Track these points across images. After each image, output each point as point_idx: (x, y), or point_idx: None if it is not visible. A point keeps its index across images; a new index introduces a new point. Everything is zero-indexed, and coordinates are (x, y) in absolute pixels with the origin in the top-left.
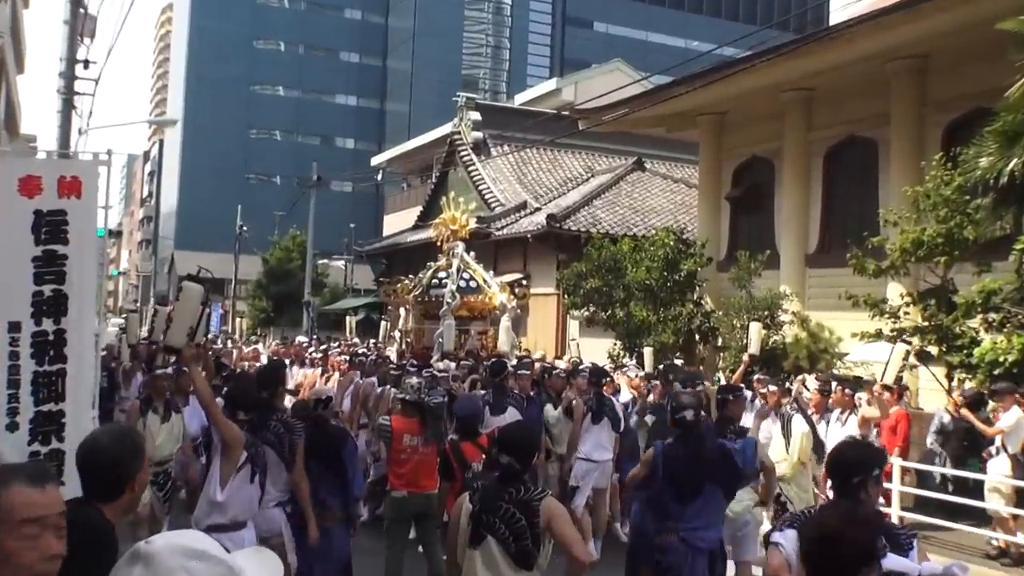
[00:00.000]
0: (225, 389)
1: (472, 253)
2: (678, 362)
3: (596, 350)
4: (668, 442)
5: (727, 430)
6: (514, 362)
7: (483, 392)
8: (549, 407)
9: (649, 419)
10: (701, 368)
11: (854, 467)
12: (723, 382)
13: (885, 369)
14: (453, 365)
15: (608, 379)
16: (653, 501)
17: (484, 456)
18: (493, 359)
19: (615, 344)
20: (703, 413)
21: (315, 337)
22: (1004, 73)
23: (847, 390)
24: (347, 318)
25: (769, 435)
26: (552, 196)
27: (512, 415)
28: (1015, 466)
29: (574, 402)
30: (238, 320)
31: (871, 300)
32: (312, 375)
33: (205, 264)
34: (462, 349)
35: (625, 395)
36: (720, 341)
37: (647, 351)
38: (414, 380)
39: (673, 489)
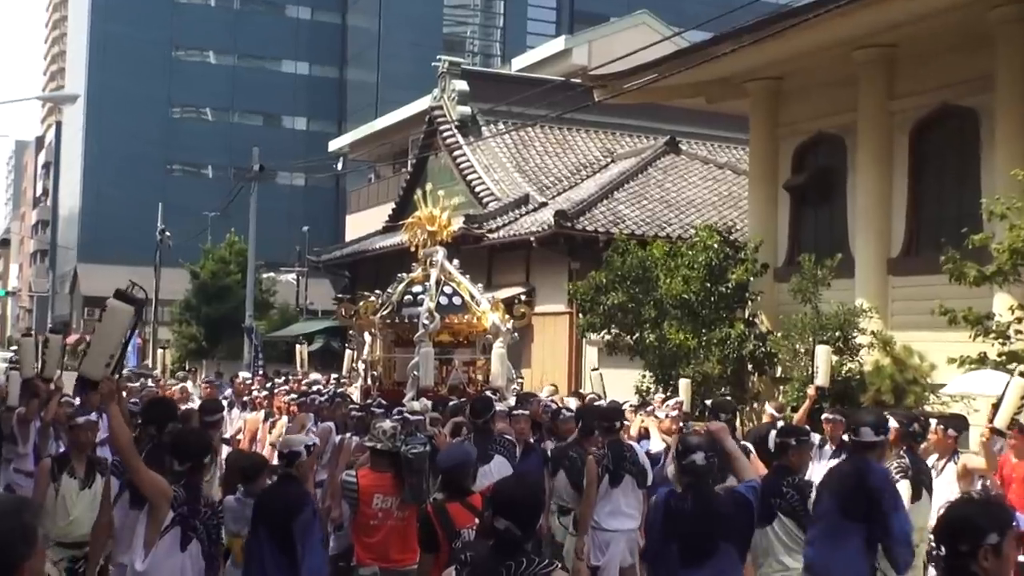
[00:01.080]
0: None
1: (456, 262)
2: (718, 396)
3: (620, 384)
4: (672, 491)
5: (783, 482)
6: (511, 400)
7: (461, 439)
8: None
9: None
10: (755, 404)
11: (963, 532)
12: (775, 418)
13: (996, 406)
14: (429, 405)
15: (620, 423)
16: (656, 565)
17: (477, 520)
18: (474, 399)
19: (643, 376)
20: (714, 458)
21: (260, 372)
22: None
23: (950, 431)
24: (298, 347)
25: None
26: (561, 188)
27: (499, 466)
28: None
29: (588, 459)
30: (160, 351)
31: (972, 316)
32: (254, 420)
33: (115, 281)
34: (443, 385)
35: (657, 443)
36: (779, 371)
37: (683, 384)
38: (387, 424)
39: (678, 550)
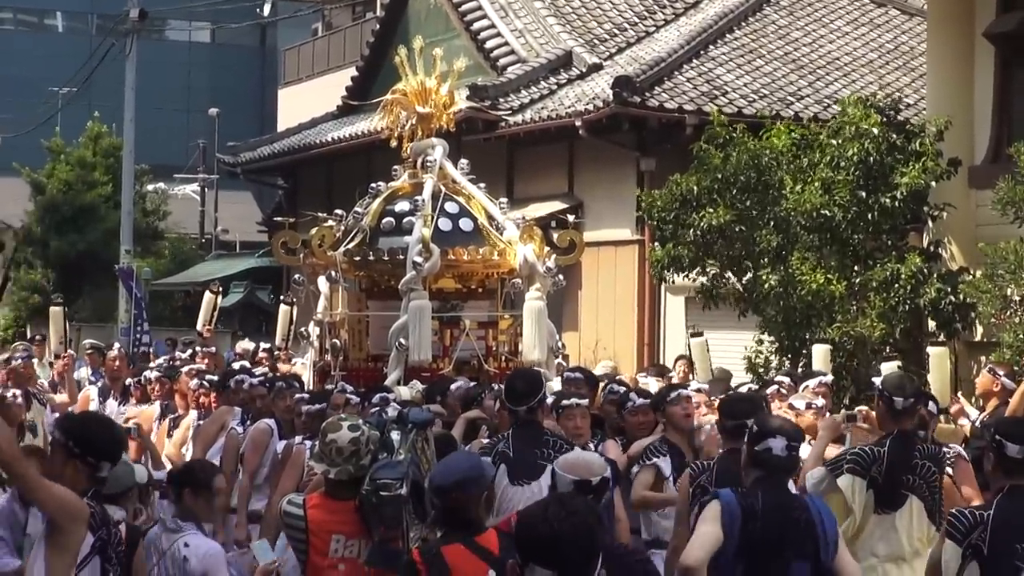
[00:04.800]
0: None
1: (464, 162)
2: (886, 367)
3: (723, 351)
4: (740, 491)
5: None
6: (555, 383)
7: (489, 441)
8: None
9: (848, 482)
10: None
11: None
12: (966, 409)
13: None
14: (422, 390)
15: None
16: None
17: (492, 572)
18: (513, 374)
19: (760, 339)
20: (797, 448)
21: (142, 340)
22: None
23: None
24: (207, 297)
25: None
26: (624, 41)
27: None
28: None
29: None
30: None
31: None
32: (146, 416)
33: None
34: (447, 358)
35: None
36: (977, 330)
37: (818, 353)
38: (343, 435)
39: (750, 569)
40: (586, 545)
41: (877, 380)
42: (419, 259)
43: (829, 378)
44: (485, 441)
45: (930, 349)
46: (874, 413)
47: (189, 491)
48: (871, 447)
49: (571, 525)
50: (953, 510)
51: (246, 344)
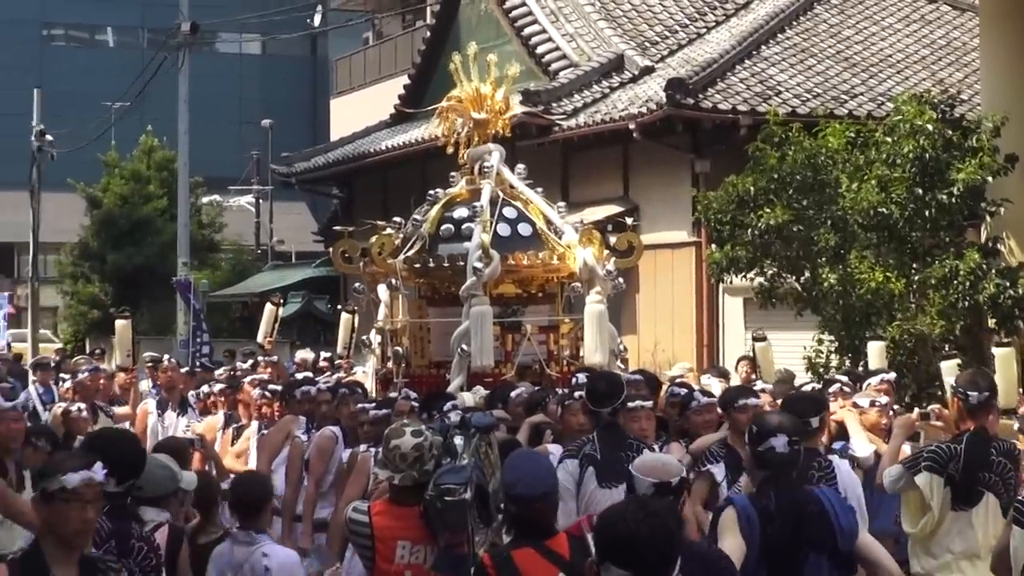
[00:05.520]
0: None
1: (521, 167)
2: (946, 366)
3: (782, 351)
4: (752, 495)
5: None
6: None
7: (554, 449)
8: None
9: (926, 480)
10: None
11: None
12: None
13: None
14: (482, 395)
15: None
16: None
17: (562, 575)
18: (594, 375)
19: (820, 338)
20: (799, 444)
21: (201, 352)
22: None
23: None
24: (267, 308)
25: None
26: (676, 43)
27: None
28: None
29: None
30: (44, 323)
31: None
32: (209, 426)
33: None
34: (509, 363)
35: (862, 446)
36: None
37: (874, 350)
38: (407, 441)
39: (770, 567)
40: (664, 548)
41: (947, 379)
42: (479, 265)
43: (892, 375)
44: (552, 448)
45: (995, 350)
46: (947, 411)
47: (252, 503)
48: (948, 444)
49: (650, 527)
50: (931, 445)
51: (305, 353)
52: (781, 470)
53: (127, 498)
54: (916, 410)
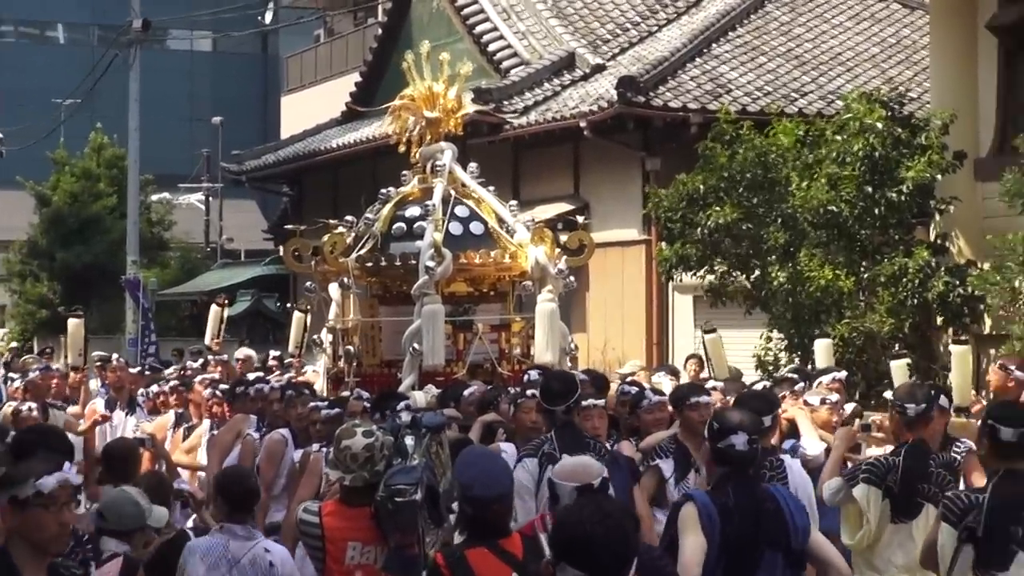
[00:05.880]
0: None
1: (474, 165)
2: (896, 365)
3: (731, 349)
4: (711, 491)
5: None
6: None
7: (506, 447)
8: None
9: (864, 492)
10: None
11: None
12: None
13: None
14: (434, 394)
15: (774, 420)
16: None
17: (516, 575)
18: (548, 374)
19: (768, 336)
20: (757, 442)
21: (147, 352)
22: None
23: None
24: (213, 309)
25: None
26: (627, 41)
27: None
28: None
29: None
30: None
31: None
32: (160, 426)
33: None
34: (461, 362)
35: (813, 444)
36: (986, 324)
37: (821, 348)
38: (357, 441)
39: (728, 564)
40: (620, 549)
41: (896, 378)
42: (431, 263)
43: (843, 374)
44: (503, 447)
45: (952, 347)
46: (887, 422)
47: (244, 497)
48: (886, 457)
49: (605, 528)
50: (949, 493)
51: (246, 351)
52: (740, 467)
53: None
54: (857, 421)
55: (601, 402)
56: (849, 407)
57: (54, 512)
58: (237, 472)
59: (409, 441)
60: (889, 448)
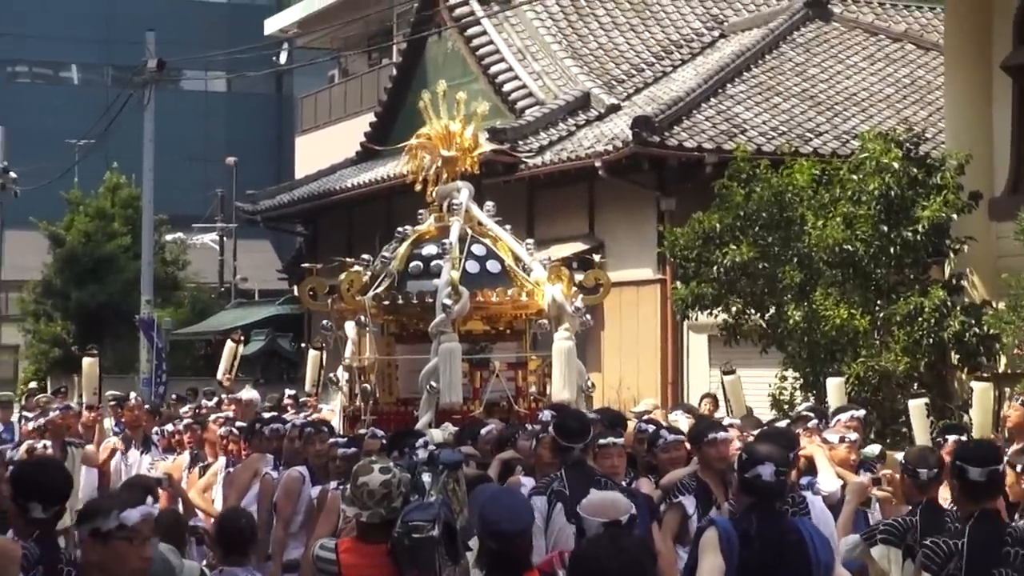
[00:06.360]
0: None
1: (490, 204)
2: (914, 404)
3: (746, 388)
4: (735, 519)
5: (1006, 535)
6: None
7: (526, 482)
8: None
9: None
10: (969, 416)
11: None
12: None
13: None
14: (451, 432)
15: (794, 456)
16: None
17: None
18: (564, 412)
19: (783, 375)
20: (786, 474)
21: (161, 389)
22: None
23: None
24: (228, 346)
25: None
26: (642, 81)
27: None
28: None
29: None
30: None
31: None
32: (176, 466)
33: None
34: (477, 400)
35: (830, 481)
36: (1003, 362)
37: (833, 386)
38: (375, 478)
39: None
40: None
41: (914, 419)
42: (448, 302)
43: (861, 412)
44: (524, 480)
45: (973, 384)
46: (897, 477)
47: (242, 537)
48: (903, 517)
49: (620, 563)
50: (927, 541)
51: (250, 393)
52: (766, 497)
53: (54, 524)
54: (868, 475)
55: (620, 440)
56: (875, 449)
57: (137, 546)
58: (229, 514)
59: (426, 478)
60: (902, 506)
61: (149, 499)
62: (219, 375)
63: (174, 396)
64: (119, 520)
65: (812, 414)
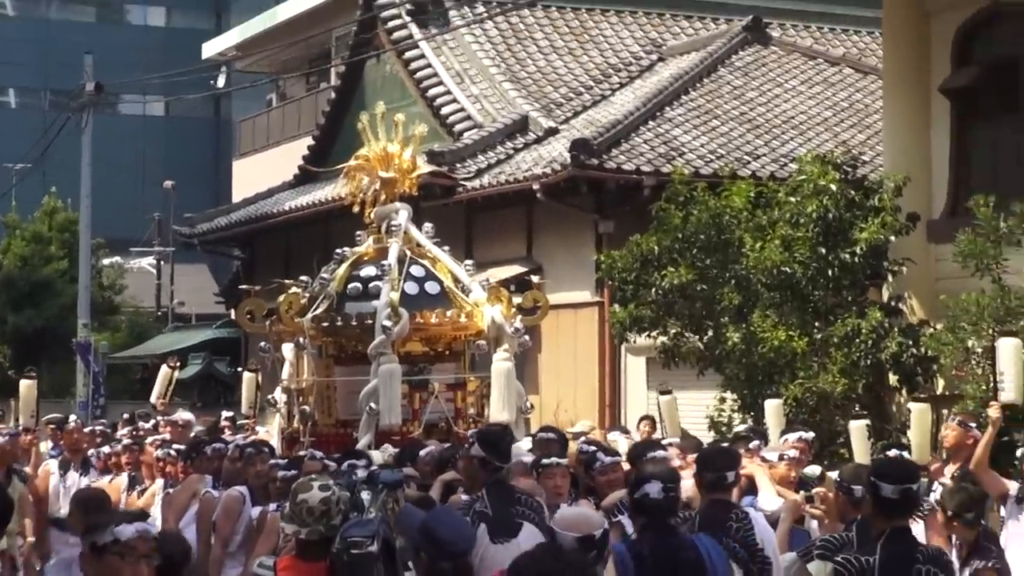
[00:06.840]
0: None
1: (429, 226)
2: (854, 425)
3: (684, 410)
4: (630, 541)
5: (916, 555)
6: (525, 443)
7: (466, 500)
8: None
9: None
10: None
11: None
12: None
13: None
14: (391, 453)
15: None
16: None
17: None
18: (495, 433)
19: (722, 397)
20: (674, 491)
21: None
22: None
23: None
24: (162, 371)
25: None
26: (580, 105)
27: (530, 538)
28: None
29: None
30: None
31: None
32: (113, 487)
33: None
34: (417, 421)
35: (770, 499)
36: (940, 383)
37: (771, 408)
38: (314, 495)
39: None
40: None
41: (855, 441)
42: (388, 323)
43: (811, 435)
44: (464, 498)
45: (912, 405)
46: (831, 495)
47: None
48: (839, 533)
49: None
50: (839, 557)
51: (185, 415)
52: (656, 515)
53: None
54: (801, 493)
55: (564, 461)
56: (816, 470)
57: (130, 562)
58: (166, 536)
59: (366, 496)
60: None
61: (151, 518)
62: (152, 399)
63: (125, 415)
64: (113, 535)
65: (752, 435)
